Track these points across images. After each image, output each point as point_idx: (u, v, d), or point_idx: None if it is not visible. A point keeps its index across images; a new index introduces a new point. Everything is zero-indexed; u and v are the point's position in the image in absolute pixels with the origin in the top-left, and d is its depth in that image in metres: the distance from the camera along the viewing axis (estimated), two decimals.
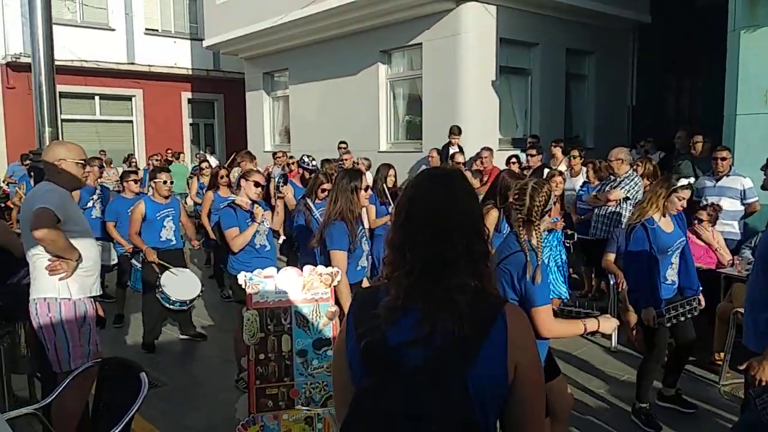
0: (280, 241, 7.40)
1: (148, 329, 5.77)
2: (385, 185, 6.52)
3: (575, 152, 7.95)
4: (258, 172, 4.99)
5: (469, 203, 1.53)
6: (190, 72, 17.87)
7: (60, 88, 15.12)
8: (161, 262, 5.57)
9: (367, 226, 5.26)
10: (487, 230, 1.56)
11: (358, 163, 9.53)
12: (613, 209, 6.25)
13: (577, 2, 9.90)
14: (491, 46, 9.40)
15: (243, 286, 3.30)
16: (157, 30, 17.28)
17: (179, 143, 18.08)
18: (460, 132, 9.13)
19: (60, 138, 4.33)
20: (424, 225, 1.43)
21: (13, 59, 14.71)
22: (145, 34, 16.96)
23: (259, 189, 4.73)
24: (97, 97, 16.87)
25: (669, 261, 4.14)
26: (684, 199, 4.02)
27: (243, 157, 9.34)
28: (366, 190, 3.92)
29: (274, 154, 10.89)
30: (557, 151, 8.71)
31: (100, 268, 3.58)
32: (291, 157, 9.97)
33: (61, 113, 15.58)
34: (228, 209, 4.67)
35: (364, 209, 4.44)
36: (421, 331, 1.34)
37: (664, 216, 4.11)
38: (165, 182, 5.77)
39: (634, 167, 6.53)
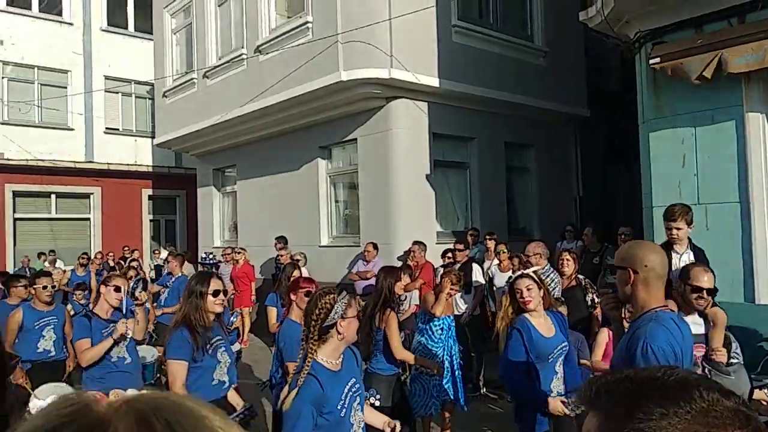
0: None
1: None
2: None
3: (502, 247, 7.75)
4: (119, 276, 4.63)
5: None
6: (150, 169, 17.88)
7: (15, 187, 15.05)
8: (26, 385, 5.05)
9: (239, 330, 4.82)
10: None
11: (297, 259, 9.25)
12: None
13: (510, 98, 10.03)
14: (424, 141, 9.40)
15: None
16: (117, 129, 17.43)
17: (138, 240, 17.81)
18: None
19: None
20: None
21: None
22: (105, 133, 17.08)
23: (120, 294, 4.36)
24: (53, 195, 16.72)
25: (552, 370, 3.74)
26: (522, 289, 3.69)
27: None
28: (216, 295, 3.57)
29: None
30: (491, 244, 8.49)
31: None
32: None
33: (15, 212, 15.47)
34: (81, 318, 4.28)
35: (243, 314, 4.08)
36: None
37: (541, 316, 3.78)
38: (45, 287, 5.40)
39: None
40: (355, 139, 9.81)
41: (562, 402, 3.49)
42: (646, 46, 6.25)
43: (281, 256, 9.91)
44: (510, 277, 7.12)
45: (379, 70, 8.52)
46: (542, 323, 3.72)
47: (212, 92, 11.73)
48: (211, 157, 13.47)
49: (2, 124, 15.32)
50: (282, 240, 10.30)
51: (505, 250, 7.53)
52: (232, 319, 7.98)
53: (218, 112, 11.23)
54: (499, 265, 7.61)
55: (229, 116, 10.91)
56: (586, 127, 11.84)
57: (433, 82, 9.05)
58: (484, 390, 7.08)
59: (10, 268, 14.47)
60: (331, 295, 2.63)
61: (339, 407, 2.50)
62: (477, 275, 7.57)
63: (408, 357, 4.66)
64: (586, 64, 11.84)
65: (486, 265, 8.31)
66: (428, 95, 9.31)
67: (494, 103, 10.02)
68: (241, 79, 10.89)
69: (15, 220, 16.04)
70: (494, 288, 7.69)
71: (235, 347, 4.85)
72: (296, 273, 5.97)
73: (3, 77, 15.55)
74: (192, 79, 12.30)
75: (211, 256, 6.63)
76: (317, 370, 2.51)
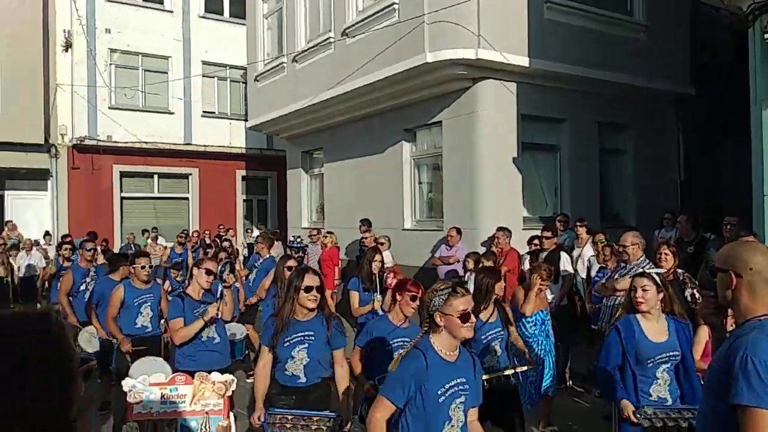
0: None
1: (117, 420, 5.58)
2: (372, 270, 6.13)
3: (601, 237, 7.38)
4: (210, 259, 4.82)
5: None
6: (244, 151, 18.54)
7: (122, 168, 16.09)
8: (135, 349, 5.42)
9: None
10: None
11: (381, 242, 9.30)
12: (622, 300, 5.60)
13: (605, 76, 9.49)
14: (512, 123, 9.10)
15: (127, 395, 3.05)
16: (213, 112, 18.19)
17: (232, 219, 18.60)
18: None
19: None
20: None
21: (78, 141, 15.80)
22: (202, 116, 17.87)
23: (211, 277, 4.54)
24: (156, 176, 17.76)
25: (652, 375, 3.53)
26: (638, 288, 3.50)
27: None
28: (308, 291, 3.58)
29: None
30: (582, 232, 8.15)
31: None
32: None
33: (122, 191, 16.55)
34: (176, 298, 4.50)
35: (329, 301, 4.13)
36: None
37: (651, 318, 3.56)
38: (143, 267, 5.72)
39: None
40: (440, 121, 9.67)
41: (635, 412, 3.36)
42: (761, 18, 5.68)
43: (365, 238, 9.99)
44: (602, 267, 6.84)
45: (465, 51, 8.31)
46: (652, 326, 3.55)
47: (300, 76, 11.94)
48: (300, 140, 13.76)
49: (111, 108, 16.38)
50: (366, 222, 10.38)
51: (604, 240, 7.17)
52: None
53: (306, 96, 11.42)
54: (596, 255, 7.27)
55: (317, 99, 11.07)
56: (690, 106, 11.01)
57: (523, 61, 8.71)
58: (570, 382, 6.85)
59: (117, 244, 15.58)
60: (436, 286, 2.67)
61: (438, 392, 2.52)
62: (565, 264, 7.27)
63: None
64: (692, 38, 10.98)
65: (575, 253, 7.99)
66: (517, 75, 8.99)
67: (588, 82, 9.52)
68: (328, 63, 11.00)
69: (122, 198, 17.22)
70: (591, 279, 7.36)
71: None
72: (377, 257, 6.00)
73: (111, 64, 16.59)
74: (282, 63, 12.56)
75: (299, 240, 6.79)
76: (426, 349, 2.58)
